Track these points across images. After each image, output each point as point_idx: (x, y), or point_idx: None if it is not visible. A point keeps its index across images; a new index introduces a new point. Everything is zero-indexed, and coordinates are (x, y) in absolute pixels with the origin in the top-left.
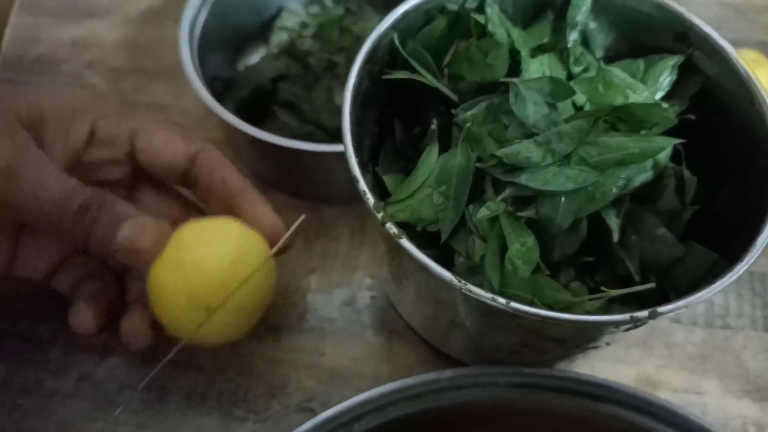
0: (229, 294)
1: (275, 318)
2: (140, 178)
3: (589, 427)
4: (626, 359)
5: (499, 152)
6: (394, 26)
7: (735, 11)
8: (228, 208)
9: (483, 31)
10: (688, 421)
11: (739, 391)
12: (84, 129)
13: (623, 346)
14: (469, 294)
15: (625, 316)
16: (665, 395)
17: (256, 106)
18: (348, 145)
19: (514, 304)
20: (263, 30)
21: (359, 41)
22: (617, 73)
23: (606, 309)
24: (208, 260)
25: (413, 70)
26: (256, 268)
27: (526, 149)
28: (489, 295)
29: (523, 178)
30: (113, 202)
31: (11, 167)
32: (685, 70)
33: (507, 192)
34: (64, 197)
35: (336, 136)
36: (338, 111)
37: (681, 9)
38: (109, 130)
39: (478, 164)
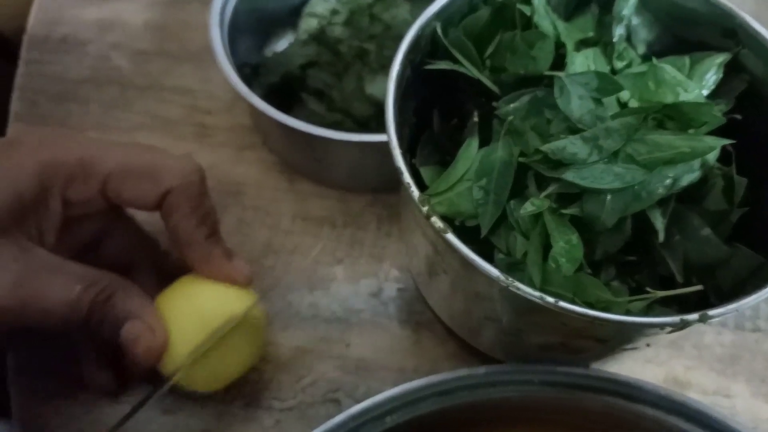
0: (200, 345)
1: (301, 308)
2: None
3: (621, 427)
4: (655, 359)
5: (545, 147)
6: (437, 15)
7: None
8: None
9: (528, 23)
10: (721, 423)
11: None
12: (57, 205)
13: (653, 347)
14: (517, 292)
15: (675, 319)
16: (693, 397)
17: (285, 92)
18: (392, 137)
19: (562, 304)
20: (291, 16)
21: (389, 29)
22: (668, 70)
23: (646, 310)
24: (178, 320)
25: (455, 60)
26: (224, 321)
27: (572, 145)
28: (537, 293)
29: (569, 175)
30: (116, 300)
31: (20, 278)
32: (731, 69)
33: (552, 188)
34: (70, 308)
35: (365, 125)
36: (368, 100)
37: (730, 5)
38: (78, 195)
39: (521, 159)
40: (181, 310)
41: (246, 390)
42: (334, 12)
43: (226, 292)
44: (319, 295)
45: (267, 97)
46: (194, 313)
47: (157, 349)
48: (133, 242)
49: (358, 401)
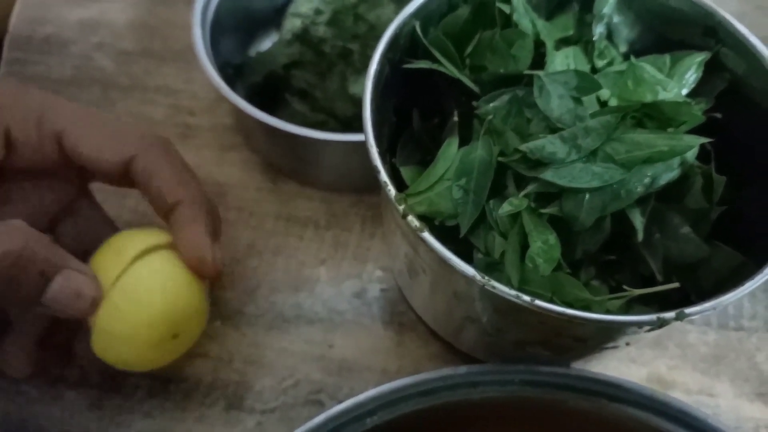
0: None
1: (284, 308)
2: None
3: (603, 427)
4: (639, 359)
5: (524, 147)
6: (416, 14)
7: (756, 6)
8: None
9: (508, 21)
10: (704, 423)
11: (751, 393)
12: None
13: (636, 346)
14: (493, 291)
15: (652, 317)
16: (677, 396)
17: (268, 92)
18: (369, 136)
19: (538, 302)
20: (275, 15)
21: (373, 29)
22: (648, 69)
23: (626, 308)
24: (99, 260)
25: (434, 59)
26: (140, 251)
27: (551, 144)
28: (513, 292)
29: (548, 174)
30: (37, 263)
31: None
32: (711, 67)
33: (530, 188)
34: None
35: (349, 126)
36: (352, 100)
37: (711, 3)
38: (26, 136)
39: (500, 158)
40: (100, 253)
41: (228, 392)
42: (318, 12)
43: (147, 231)
44: (302, 296)
45: (250, 98)
46: (110, 250)
47: (91, 295)
48: (93, 224)
49: (341, 402)
